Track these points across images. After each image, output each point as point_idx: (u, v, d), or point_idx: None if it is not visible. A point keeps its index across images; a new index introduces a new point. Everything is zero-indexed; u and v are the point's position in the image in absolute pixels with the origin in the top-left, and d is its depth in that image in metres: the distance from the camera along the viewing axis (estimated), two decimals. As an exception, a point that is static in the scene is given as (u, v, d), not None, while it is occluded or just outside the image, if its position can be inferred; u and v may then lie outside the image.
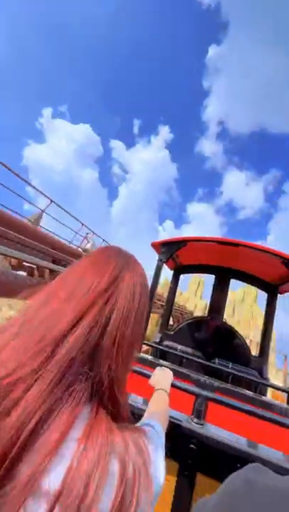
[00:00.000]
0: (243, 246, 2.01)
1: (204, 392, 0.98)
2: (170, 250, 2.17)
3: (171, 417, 0.93)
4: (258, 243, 2.07)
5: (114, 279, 0.42)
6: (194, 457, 0.92)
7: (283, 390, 1.87)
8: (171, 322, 3.31)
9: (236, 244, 2.04)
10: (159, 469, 0.37)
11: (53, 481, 0.26)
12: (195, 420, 0.96)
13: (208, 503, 0.34)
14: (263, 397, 1.83)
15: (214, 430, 0.94)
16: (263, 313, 2.85)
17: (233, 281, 3.04)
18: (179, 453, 0.93)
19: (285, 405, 1.59)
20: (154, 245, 2.23)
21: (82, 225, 11.80)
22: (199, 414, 0.98)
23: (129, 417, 0.42)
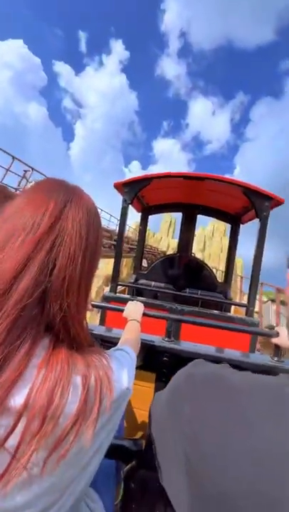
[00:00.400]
0: (204, 179, 2.01)
1: (172, 316, 1.11)
2: (134, 190, 2.10)
3: (146, 340, 1.06)
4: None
5: (56, 219, 0.38)
6: (168, 367, 1.09)
7: (242, 305, 2.17)
8: (145, 264, 3.47)
9: (198, 178, 2.02)
10: (122, 378, 0.43)
11: (17, 400, 0.30)
12: (166, 339, 1.11)
13: (162, 396, 0.41)
14: (227, 314, 2.12)
15: (183, 344, 1.10)
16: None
17: (204, 218, 3.13)
18: (155, 366, 1.09)
19: (243, 317, 1.87)
20: (117, 186, 2.13)
21: (14, 159, 9.11)
22: (169, 334, 1.12)
23: (92, 345, 0.45)
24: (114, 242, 11.83)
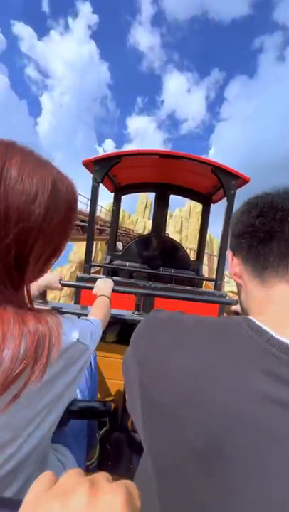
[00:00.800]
0: (174, 157, 2.01)
1: (138, 290, 1.16)
2: (104, 168, 2.05)
3: (118, 314, 1.11)
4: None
5: None
6: None
7: (211, 280, 2.31)
8: (121, 247, 3.47)
9: (167, 156, 2.02)
10: (71, 333, 0.46)
11: None
12: (136, 312, 1.17)
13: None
14: (198, 289, 2.24)
15: None
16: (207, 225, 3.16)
17: (181, 199, 3.17)
18: (127, 338, 1.16)
19: (212, 290, 2.00)
20: (86, 164, 2.07)
21: None
22: (138, 307, 1.18)
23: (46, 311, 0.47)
24: (80, 223, 11.82)
